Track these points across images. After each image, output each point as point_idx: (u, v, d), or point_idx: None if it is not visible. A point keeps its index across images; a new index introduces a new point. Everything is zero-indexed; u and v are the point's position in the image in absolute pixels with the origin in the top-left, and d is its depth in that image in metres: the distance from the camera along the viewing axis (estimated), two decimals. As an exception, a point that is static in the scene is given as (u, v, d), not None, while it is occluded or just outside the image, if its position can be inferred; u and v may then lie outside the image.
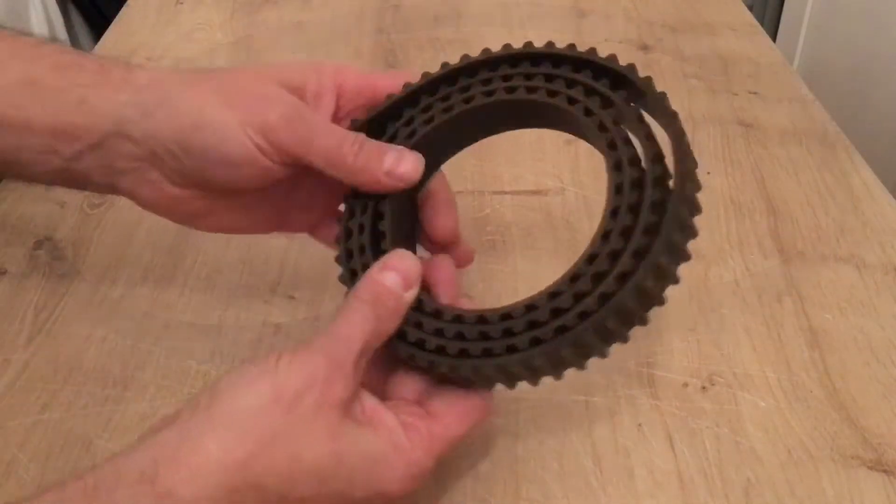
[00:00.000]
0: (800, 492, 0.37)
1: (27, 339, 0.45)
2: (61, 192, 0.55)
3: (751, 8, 0.80)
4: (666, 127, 0.32)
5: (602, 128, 0.33)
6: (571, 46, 0.35)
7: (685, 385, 0.41)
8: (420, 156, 0.35)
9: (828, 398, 0.41)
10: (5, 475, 0.38)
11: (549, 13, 0.76)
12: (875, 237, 0.50)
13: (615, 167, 0.31)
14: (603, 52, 0.35)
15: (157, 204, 0.37)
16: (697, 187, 0.30)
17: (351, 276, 0.35)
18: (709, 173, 0.56)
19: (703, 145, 0.59)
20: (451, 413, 0.32)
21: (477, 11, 0.77)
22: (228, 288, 0.47)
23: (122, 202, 0.53)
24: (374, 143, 0.35)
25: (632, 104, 0.33)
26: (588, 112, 0.33)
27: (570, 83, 0.34)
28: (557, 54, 0.35)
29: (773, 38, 1.11)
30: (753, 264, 0.48)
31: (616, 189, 0.31)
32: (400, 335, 0.33)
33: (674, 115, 0.31)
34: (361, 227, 0.35)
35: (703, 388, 0.41)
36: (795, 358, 0.43)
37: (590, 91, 0.34)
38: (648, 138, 0.32)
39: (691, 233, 0.30)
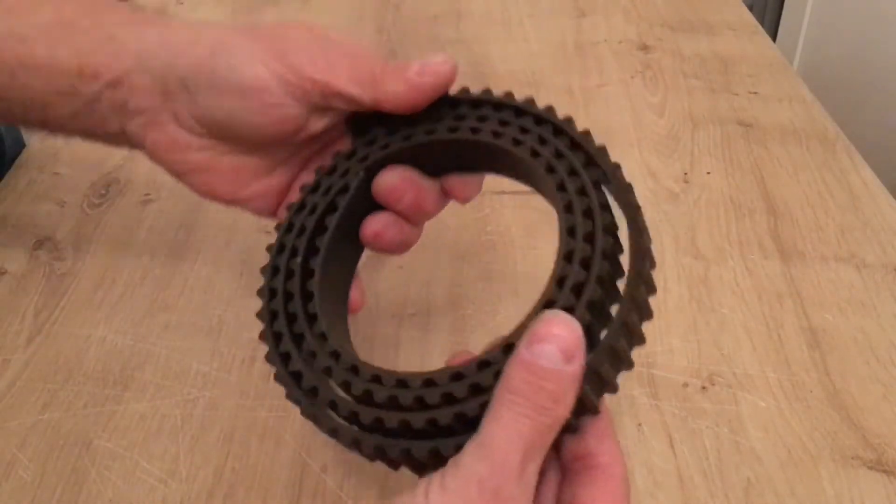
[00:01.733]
0: (800, 492, 0.37)
1: (27, 339, 0.45)
2: (61, 192, 0.55)
3: (751, 8, 0.80)
4: (619, 199, 0.29)
5: (561, 187, 0.30)
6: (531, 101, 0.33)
7: (685, 385, 0.41)
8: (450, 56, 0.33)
9: (828, 398, 0.41)
10: (5, 475, 0.38)
11: (548, 13, 0.76)
12: (875, 237, 0.50)
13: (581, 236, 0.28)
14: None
15: (163, 150, 0.36)
16: (652, 265, 0.28)
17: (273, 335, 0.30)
18: (709, 173, 0.56)
19: (703, 145, 0.59)
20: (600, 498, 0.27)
21: (477, 11, 0.77)
22: (228, 288, 0.47)
23: (122, 202, 0.53)
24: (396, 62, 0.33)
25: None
26: (550, 169, 0.31)
27: (538, 139, 0.32)
28: (519, 107, 0.33)
29: (773, 38, 1.11)
30: (753, 264, 0.48)
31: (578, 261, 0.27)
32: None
33: (628, 188, 0.29)
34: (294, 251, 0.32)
35: (703, 388, 0.41)
36: (795, 358, 0.43)
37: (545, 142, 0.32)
38: (603, 207, 0.29)
39: (648, 314, 0.27)
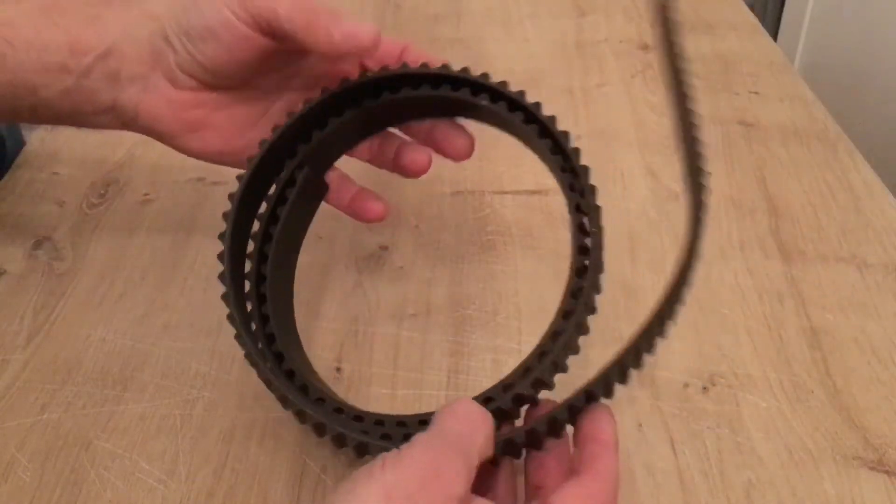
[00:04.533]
0: (801, 492, 0.36)
1: (26, 339, 0.44)
2: (61, 192, 0.55)
3: (751, 7, 0.80)
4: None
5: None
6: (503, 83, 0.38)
7: (686, 385, 0.41)
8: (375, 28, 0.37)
9: (829, 398, 0.41)
10: (4, 475, 0.38)
11: (549, 12, 0.76)
12: (876, 237, 0.50)
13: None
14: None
15: (160, 113, 0.38)
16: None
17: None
18: (709, 173, 0.56)
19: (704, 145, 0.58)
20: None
21: (477, 11, 0.77)
22: (228, 288, 0.47)
23: (121, 202, 0.53)
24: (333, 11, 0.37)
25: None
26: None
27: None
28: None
29: (774, 38, 1.11)
30: (754, 264, 0.48)
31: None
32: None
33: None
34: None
35: (704, 388, 0.41)
36: (797, 358, 0.43)
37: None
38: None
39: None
